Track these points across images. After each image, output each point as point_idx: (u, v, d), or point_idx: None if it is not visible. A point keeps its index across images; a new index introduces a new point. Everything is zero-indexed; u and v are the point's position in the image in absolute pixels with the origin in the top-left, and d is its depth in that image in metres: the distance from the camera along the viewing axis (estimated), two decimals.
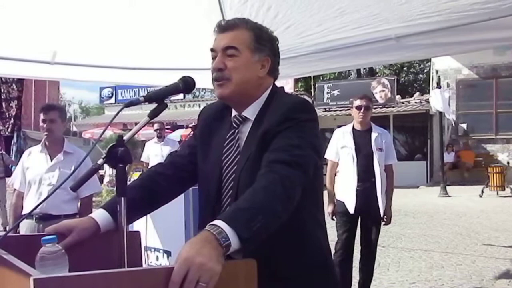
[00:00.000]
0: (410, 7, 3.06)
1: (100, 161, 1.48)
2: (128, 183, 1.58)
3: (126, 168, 1.51)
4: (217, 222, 1.24)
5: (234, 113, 1.69)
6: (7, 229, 8.67)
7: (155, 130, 8.39)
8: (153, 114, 1.55)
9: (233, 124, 1.67)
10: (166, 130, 14.90)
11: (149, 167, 8.10)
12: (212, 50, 1.65)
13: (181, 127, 19.58)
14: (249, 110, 1.65)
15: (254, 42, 1.62)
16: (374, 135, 4.49)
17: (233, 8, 3.45)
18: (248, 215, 1.29)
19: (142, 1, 3.46)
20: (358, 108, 4.48)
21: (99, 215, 1.56)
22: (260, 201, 1.34)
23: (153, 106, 1.57)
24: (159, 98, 1.56)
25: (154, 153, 8.17)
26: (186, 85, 1.62)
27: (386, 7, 3.17)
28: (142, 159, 8.96)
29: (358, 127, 4.55)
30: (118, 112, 1.56)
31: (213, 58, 1.64)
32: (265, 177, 1.42)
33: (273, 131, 1.53)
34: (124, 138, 1.49)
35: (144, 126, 1.56)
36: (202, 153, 1.72)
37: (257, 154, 1.53)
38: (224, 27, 1.64)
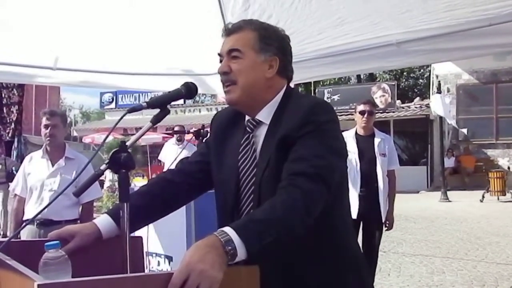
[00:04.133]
0: (411, 15, 3.07)
1: (103, 167, 1.48)
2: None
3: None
4: (227, 229, 1.23)
5: (247, 117, 1.65)
6: (7, 234, 8.66)
7: (175, 132, 8.28)
8: (156, 120, 1.55)
9: (247, 128, 1.62)
10: (166, 136, 14.91)
11: (164, 167, 8.10)
12: (219, 54, 1.64)
13: (182, 132, 19.51)
14: (262, 113, 1.60)
15: (259, 42, 1.58)
16: (377, 140, 4.50)
17: (234, 15, 3.46)
18: (261, 227, 1.27)
19: (144, 8, 3.47)
20: (362, 113, 4.49)
21: (102, 220, 1.55)
22: (277, 215, 1.31)
23: (154, 111, 1.57)
24: (161, 104, 1.55)
25: (171, 154, 7.97)
26: (188, 91, 1.61)
27: (387, 16, 3.18)
28: (159, 158, 9.01)
29: (361, 132, 4.55)
30: (121, 118, 1.57)
31: (220, 62, 1.62)
32: (286, 191, 1.37)
33: (292, 136, 1.47)
34: (127, 143, 1.49)
35: (146, 131, 1.57)
36: (216, 160, 1.67)
37: (278, 160, 1.48)
38: (229, 31, 1.62)
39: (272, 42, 1.61)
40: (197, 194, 1.81)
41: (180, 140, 8.26)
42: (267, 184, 1.49)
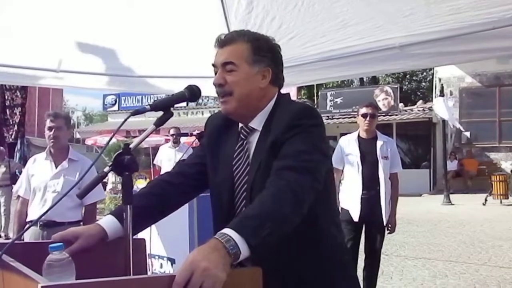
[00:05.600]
0: (414, 19, 3.07)
1: (106, 169, 1.48)
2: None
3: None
4: (226, 230, 1.25)
5: (241, 124, 1.70)
6: (10, 236, 8.67)
7: (172, 135, 8.23)
8: (160, 123, 1.57)
9: (241, 135, 1.68)
10: (169, 138, 14.90)
11: (161, 171, 8.00)
12: (213, 65, 1.68)
13: (185, 134, 19.46)
14: (255, 121, 1.66)
15: (253, 54, 1.63)
16: (379, 143, 4.49)
17: (238, 18, 3.47)
18: (256, 222, 1.30)
19: (147, 10, 3.48)
20: (364, 116, 4.49)
21: (107, 222, 1.56)
22: (268, 208, 1.35)
23: (157, 113, 1.58)
24: (165, 107, 1.57)
25: (167, 158, 7.99)
26: (192, 94, 1.64)
27: (390, 19, 3.18)
28: (154, 162, 8.88)
29: (363, 135, 4.55)
30: (124, 121, 1.57)
31: (215, 73, 1.67)
32: (273, 184, 1.43)
33: (281, 139, 1.54)
34: (131, 146, 1.50)
35: (150, 134, 1.58)
36: (212, 164, 1.72)
37: (267, 164, 1.54)
38: (222, 42, 1.66)
39: (265, 54, 1.66)
40: (196, 194, 1.86)
41: (176, 143, 8.19)
42: (258, 185, 1.54)
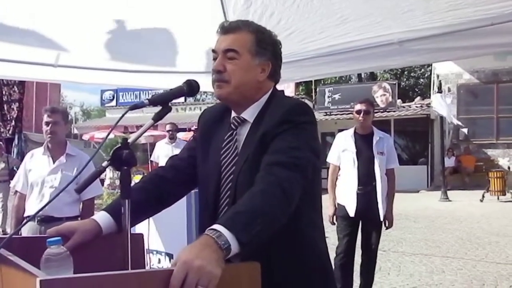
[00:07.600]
0: (413, 15, 3.07)
1: (104, 164, 1.48)
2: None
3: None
4: (216, 226, 1.24)
5: (233, 114, 1.69)
6: (8, 231, 8.66)
7: (168, 131, 8.24)
8: (158, 117, 1.56)
9: (232, 125, 1.67)
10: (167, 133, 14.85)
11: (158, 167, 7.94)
12: (213, 51, 1.66)
13: (183, 130, 19.50)
14: (248, 112, 1.65)
15: (255, 45, 1.62)
16: (375, 139, 4.50)
17: (236, 13, 3.46)
18: (246, 218, 1.29)
19: (145, 5, 3.47)
20: (358, 112, 4.51)
21: (101, 217, 1.56)
22: (259, 205, 1.33)
23: (155, 109, 1.57)
24: (163, 101, 1.56)
25: (165, 154, 7.93)
26: (191, 89, 1.63)
27: (389, 15, 3.17)
28: (151, 159, 8.85)
29: (360, 131, 4.57)
30: (122, 115, 1.56)
31: (214, 59, 1.65)
32: (263, 180, 1.41)
33: (271, 133, 1.52)
34: (129, 140, 1.50)
35: (148, 129, 1.57)
36: (202, 155, 1.72)
37: (256, 156, 1.52)
38: (226, 29, 1.64)
39: (267, 47, 1.65)
40: (190, 188, 1.84)
41: (172, 138, 8.19)
42: (244, 176, 1.54)
